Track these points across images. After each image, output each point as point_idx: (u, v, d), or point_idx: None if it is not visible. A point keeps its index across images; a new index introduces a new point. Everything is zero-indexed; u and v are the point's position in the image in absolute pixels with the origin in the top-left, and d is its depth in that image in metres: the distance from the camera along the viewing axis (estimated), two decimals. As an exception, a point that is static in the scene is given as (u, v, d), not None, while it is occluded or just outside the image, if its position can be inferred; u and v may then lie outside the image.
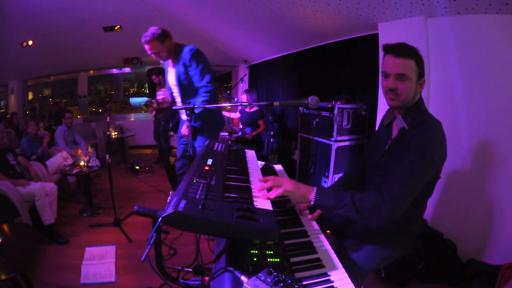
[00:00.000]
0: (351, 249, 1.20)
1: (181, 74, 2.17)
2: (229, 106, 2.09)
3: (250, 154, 1.49)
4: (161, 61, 2.27)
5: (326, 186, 3.08)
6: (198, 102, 2.14)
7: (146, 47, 2.10)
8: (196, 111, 2.06)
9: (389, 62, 1.07)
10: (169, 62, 2.29)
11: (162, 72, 4.74)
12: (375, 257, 1.19)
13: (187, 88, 2.21)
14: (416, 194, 1.02)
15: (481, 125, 2.09)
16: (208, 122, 2.29)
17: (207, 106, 1.95)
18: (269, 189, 1.00)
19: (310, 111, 3.31)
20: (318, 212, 1.18)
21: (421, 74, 1.08)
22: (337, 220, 1.40)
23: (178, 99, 2.33)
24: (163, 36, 2.10)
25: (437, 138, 1.03)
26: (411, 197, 1.01)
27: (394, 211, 0.96)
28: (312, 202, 1.02)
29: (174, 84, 2.26)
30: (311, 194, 1.02)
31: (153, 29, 2.08)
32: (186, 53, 2.12)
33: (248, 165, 1.28)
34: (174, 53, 2.19)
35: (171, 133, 4.87)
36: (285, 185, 1.00)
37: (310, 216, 1.16)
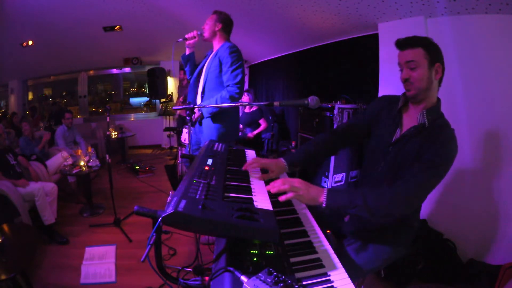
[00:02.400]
0: (352, 250, 1.19)
1: (212, 66, 2.11)
2: (229, 106, 2.07)
3: (250, 154, 1.49)
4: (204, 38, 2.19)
5: (326, 186, 3.09)
6: (218, 96, 2.06)
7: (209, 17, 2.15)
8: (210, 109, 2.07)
9: (399, 55, 1.14)
10: (210, 56, 2.23)
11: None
12: (376, 258, 1.18)
13: (211, 82, 2.14)
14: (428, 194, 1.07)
15: (481, 125, 2.09)
16: (222, 117, 2.17)
17: (206, 106, 1.95)
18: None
19: (310, 111, 3.31)
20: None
21: (434, 60, 1.10)
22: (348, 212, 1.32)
23: (198, 95, 2.25)
24: (223, 19, 2.12)
25: (456, 145, 1.06)
26: (425, 197, 1.07)
27: (408, 210, 1.05)
28: (324, 205, 1.00)
29: (202, 76, 2.20)
30: (322, 196, 1.00)
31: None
32: (224, 48, 2.06)
33: (248, 165, 1.27)
34: (216, 42, 2.16)
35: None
36: (299, 191, 0.98)
37: (306, 211, 1.17)
